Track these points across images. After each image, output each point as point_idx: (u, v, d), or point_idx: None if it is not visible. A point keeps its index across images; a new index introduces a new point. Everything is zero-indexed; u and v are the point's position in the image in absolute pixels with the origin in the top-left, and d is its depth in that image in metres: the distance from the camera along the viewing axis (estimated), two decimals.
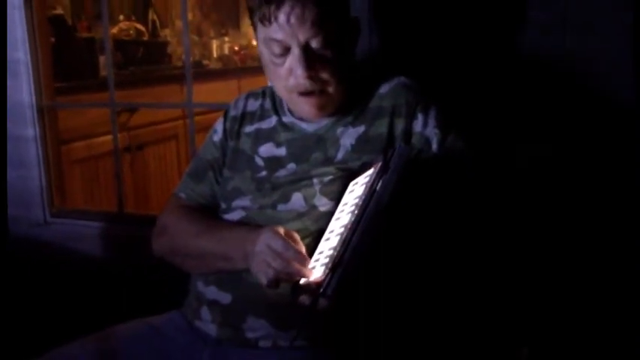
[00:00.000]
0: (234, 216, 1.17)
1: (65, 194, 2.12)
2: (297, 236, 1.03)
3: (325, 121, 1.18)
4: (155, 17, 3.78)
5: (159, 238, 1.25)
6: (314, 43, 1.06)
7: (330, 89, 1.12)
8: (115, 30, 3.33)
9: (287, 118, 1.21)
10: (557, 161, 1.37)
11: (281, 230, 1.02)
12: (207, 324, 1.14)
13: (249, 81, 3.60)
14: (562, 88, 1.36)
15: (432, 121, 1.14)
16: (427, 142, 1.14)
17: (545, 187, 1.36)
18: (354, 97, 1.18)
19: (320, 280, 0.93)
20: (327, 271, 0.93)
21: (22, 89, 1.95)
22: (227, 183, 1.22)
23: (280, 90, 1.16)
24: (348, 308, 1.04)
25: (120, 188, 2.01)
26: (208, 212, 1.23)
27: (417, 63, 1.44)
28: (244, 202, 1.17)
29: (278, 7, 1.04)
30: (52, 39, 2.31)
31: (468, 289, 1.19)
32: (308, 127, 1.18)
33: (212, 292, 1.14)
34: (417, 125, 1.15)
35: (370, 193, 0.99)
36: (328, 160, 1.15)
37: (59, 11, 2.89)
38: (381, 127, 1.15)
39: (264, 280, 1.00)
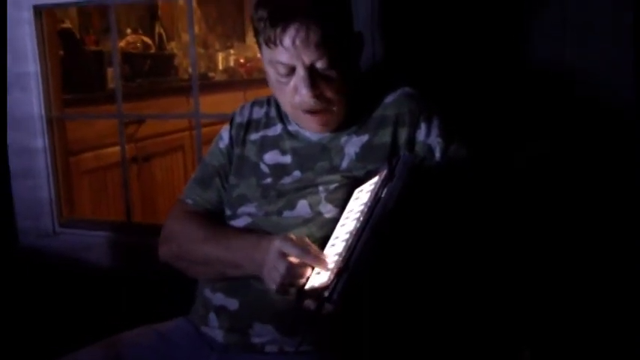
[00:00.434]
0: (240, 222, 1.18)
1: (74, 204, 2.14)
2: (308, 241, 1.04)
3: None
4: (162, 30, 3.82)
5: (165, 244, 1.26)
6: (319, 64, 1.08)
7: (335, 107, 1.14)
8: (122, 43, 3.36)
9: (292, 127, 1.23)
10: (558, 165, 1.38)
11: (292, 237, 1.03)
12: (214, 329, 1.15)
13: (254, 92, 3.62)
14: (563, 95, 1.38)
15: (434, 130, 1.16)
16: (430, 150, 1.15)
17: (546, 191, 1.37)
18: (358, 107, 1.19)
19: (325, 285, 0.95)
20: (332, 276, 0.95)
21: (32, 101, 1.97)
22: (233, 190, 1.23)
23: (286, 106, 1.18)
24: (354, 313, 1.05)
25: (127, 198, 2.03)
26: (215, 218, 1.24)
27: (419, 71, 1.46)
28: (250, 208, 1.18)
29: (283, 31, 1.05)
30: (61, 52, 2.34)
31: (471, 292, 1.20)
32: (312, 136, 1.20)
33: (219, 298, 1.15)
34: (420, 134, 1.16)
35: (375, 200, 1.01)
36: (333, 169, 1.16)
37: (68, 25, 2.94)
38: (385, 136, 1.16)
39: (273, 287, 1.01)
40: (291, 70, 1.09)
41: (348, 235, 1.00)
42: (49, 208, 2.03)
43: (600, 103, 1.36)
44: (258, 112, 1.29)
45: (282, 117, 1.26)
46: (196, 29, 4.17)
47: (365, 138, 1.18)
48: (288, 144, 1.22)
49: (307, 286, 1.00)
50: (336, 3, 1.12)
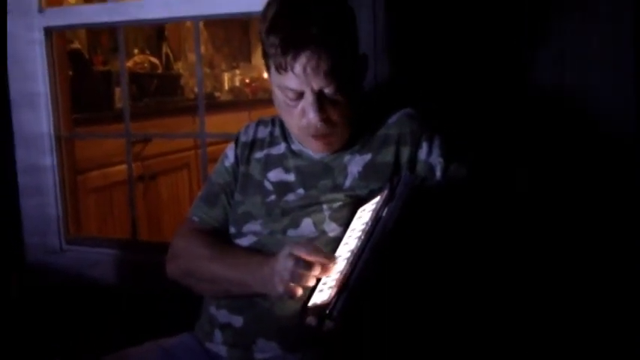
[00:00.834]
0: (245, 241, 1.21)
1: (80, 222, 2.16)
2: (316, 244, 1.07)
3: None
4: (169, 51, 3.87)
5: (173, 261, 1.27)
6: (327, 90, 1.10)
7: (340, 129, 1.16)
8: (129, 63, 3.41)
9: (296, 146, 1.25)
10: (558, 187, 1.40)
11: (300, 242, 1.07)
12: (219, 345, 1.17)
13: (259, 112, 3.65)
14: (562, 118, 1.40)
15: (436, 150, 1.18)
16: (431, 169, 1.17)
17: (546, 212, 1.39)
18: (361, 127, 1.22)
19: (326, 302, 0.97)
20: (333, 293, 0.97)
21: (42, 120, 2.00)
22: (238, 207, 1.25)
23: (292, 128, 1.20)
24: (355, 330, 1.07)
25: (133, 216, 2.05)
26: (221, 236, 1.26)
27: (421, 92, 1.48)
28: (255, 226, 1.20)
29: (294, 59, 1.07)
30: (70, 72, 2.38)
31: (472, 310, 1.21)
32: (316, 155, 1.22)
33: (224, 315, 1.17)
34: (422, 153, 1.18)
35: (376, 219, 1.03)
36: (337, 187, 1.18)
37: (77, 45, 2.98)
38: (388, 155, 1.18)
39: (281, 289, 1.02)
40: (300, 95, 1.11)
41: (349, 254, 1.02)
42: (56, 225, 2.05)
43: (600, 126, 1.38)
44: (263, 132, 1.32)
45: (286, 136, 1.28)
46: (203, 49, 4.23)
47: (368, 157, 1.20)
48: (291, 162, 1.24)
49: (310, 304, 1.02)
50: (346, 31, 1.13)
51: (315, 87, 1.09)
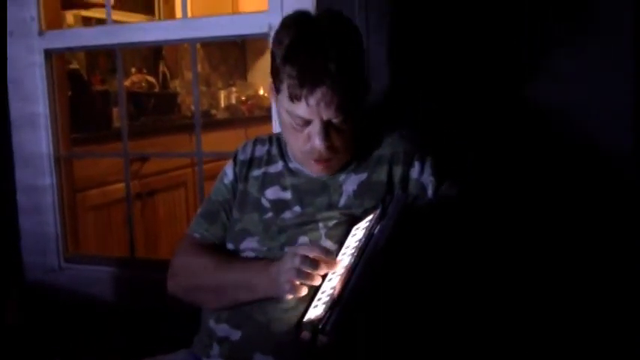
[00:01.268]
0: None
1: (79, 240, 2.17)
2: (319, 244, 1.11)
3: None
4: (165, 69, 3.90)
5: (174, 278, 1.29)
6: (335, 120, 1.13)
7: (341, 155, 1.20)
8: (127, 82, 3.44)
9: (293, 164, 1.28)
10: (553, 201, 1.43)
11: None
12: (216, 359, 1.19)
13: (255, 130, 3.68)
14: (561, 136, 1.44)
15: (428, 169, 1.22)
16: (423, 188, 1.21)
17: (541, 229, 1.43)
18: (358, 147, 1.24)
19: (320, 317, 1.00)
20: (326, 309, 1.01)
21: (41, 140, 2.03)
22: (235, 224, 1.28)
23: (294, 150, 1.22)
24: (348, 344, 1.09)
25: (131, 234, 2.07)
26: (223, 248, 1.28)
27: (418, 110, 1.52)
28: (252, 243, 1.23)
29: (310, 92, 1.09)
30: (69, 92, 2.41)
31: (465, 325, 1.24)
32: (312, 174, 1.25)
33: (223, 329, 1.19)
34: (414, 172, 1.22)
35: (369, 236, 1.07)
36: (332, 205, 1.21)
37: (75, 66, 3.02)
38: (381, 174, 1.22)
39: (287, 287, 1.06)
40: (307, 122, 1.14)
41: (343, 270, 1.05)
42: (55, 244, 2.07)
43: (596, 138, 1.42)
44: (260, 150, 1.34)
45: (283, 154, 1.31)
46: (199, 68, 4.27)
47: (363, 176, 1.23)
48: (288, 180, 1.27)
49: (305, 319, 1.05)
50: (359, 65, 1.16)
51: (325, 117, 1.12)
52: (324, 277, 1.08)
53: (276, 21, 1.68)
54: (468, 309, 1.21)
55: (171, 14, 3.96)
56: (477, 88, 1.48)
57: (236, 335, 1.17)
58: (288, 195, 1.25)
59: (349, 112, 1.13)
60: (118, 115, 2.68)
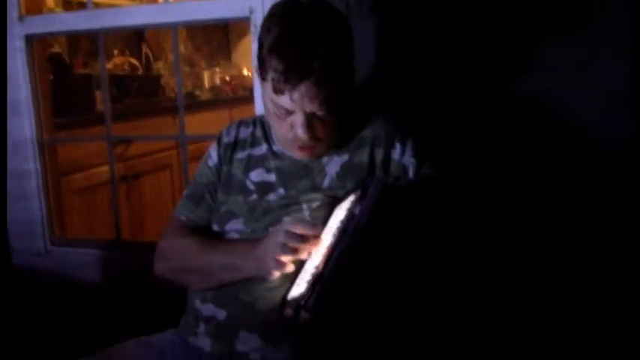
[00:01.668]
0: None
1: (65, 224, 2.19)
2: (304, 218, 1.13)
3: None
4: (148, 51, 3.87)
5: (161, 260, 1.31)
6: (318, 112, 1.15)
7: (325, 142, 1.22)
8: (110, 65, 3.42)
9: (277, 147, 1.30)
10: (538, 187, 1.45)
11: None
12: (202, 338, 1.22)
13: (239, 110, 3.69)
14: (547, 123, 1.45)
15: (409, 151, 1.24)
16: (404, 169, 1.23)
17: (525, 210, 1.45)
18: (341, 131, 1.26)
19: (303, 294, 1.04)
20: (309, 286, 1.04)
21: (24, 126, 2.03)
22: (221, 206, 1.30)
23: (278, 135, 1.25)
24: (330, 320, 1.13)
25: (117, 217, 2.09)
26: (209, 230, 1.31)
27: (406, 98, 1.53)
28: (237, 225, 1.25)
29: (294, 88, 1.10)
30: (51, 77, 2.40)
31: (448, 302, 1.26)
32: (295, 156, 1.27)
33: (209, 309, 1.22)
34: (395, 154, 1.24)
35: (350, 216, 1.10)
36: (315, 187, 1.23)
37: (57, 49, 2.99)
38: (363, 156, 1.24)
39: (272, 264, 1.09)
40: (291, 112, 1.16)
41: (325, 249, 1.09)
42: (41, 228, 2.08)
43: (591, 132, 1.43)
44: (245, 132, 1.35)
45: (267, 137, 1.32)
46: (182, 49, 4.25)
47: (345, 158, 1.25)
48: (272, 163, 1.28)
49: (288, 297, 1.09)
50: (346, 61, 1.17)
51: (308, 110, 1.14)
52: (308, 254, 1.11)
53: (257, 4, 1.70)
54: (449, 287, 1.24)
55: None
56: (464, 76, 1.49)
57: (222, 315, 1.20)
58: (272, 177, 1.27)
59: (333, 105, 1.14)
60: (102, 99, 2.67)
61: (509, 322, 1.41)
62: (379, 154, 1.24)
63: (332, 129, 1.20)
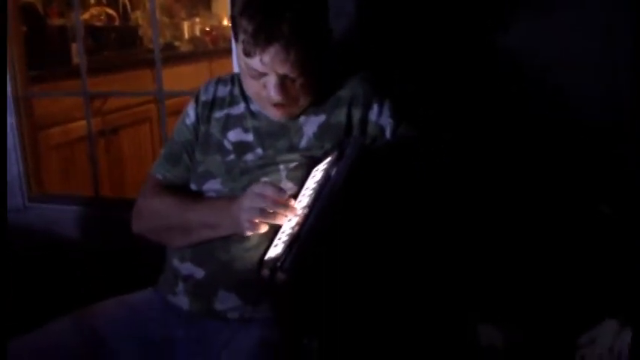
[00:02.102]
0: None
1: (42, 180, 2.17)
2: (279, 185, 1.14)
3: None
4: (126, 1, 3.78)
5: (139, 218, 1.32)
6: (291, 74, 1.14)
7: (300, 102, 1.21)
8: (86, 16, 3.33)
9: (254, 106, 1.28)
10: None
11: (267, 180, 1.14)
12: (181, 297, 1.23)
13: (220, 63, 3.63)
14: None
15: (386, 111, 1.23)
16: (382, 130, 1.23)
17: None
18: (317, 90, 1.25)
19: (279, 255, 1.05)
20: (285, 247, 1.05)
21: None
22: (198, 166, 1.29)
23: (252, 95, 1.23)
24: (306, 281, 1.14)
25: (95, 173, 2.07)
26: (187, 188, 1.31)
27: (381, 53, 1.52)
28: (215, 185, 1.25)
29: (264, 50, 1.10)
30: (24, 28, 2.34)
31: (425, 267, 1.28)
32: (270, 116, 1.25)
33: (187, 267, 1.23)
34: (373, 115, 1.24)
35: (326, 178, 1.10)
36: (293, 148, 1.23)
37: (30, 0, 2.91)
38: (340, 116, 1.23)
39: (247, 225, 1.10)
40: (264, 74, 1.14)
41: (302, 211, 1.09)
42: (19, 184, 2.07)
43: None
44: (223, 91, 1.34)
45: (245, 96, 1.30)
46: None
47: (322, 118, 1.24)
48: (250, 122, 1.27)
49: (266, 258, 1.09)
50: (318, 24, 1.16)
51: (280, 72, 1.13)
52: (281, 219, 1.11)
53: None
54: (426, 248, 1.25)
55: None
56: (452, 68, 1.49)
57: (200, 273, 1.21)
58: (250, 137, 1.26)
59: (305, 67, 1.13)
60: (77, 51, 2.61)
61: (488, 289, 1.43)
62: (356, 115, 1.23)
63: (306, 90, 1.19)
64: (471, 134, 1.47)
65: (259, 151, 1.25)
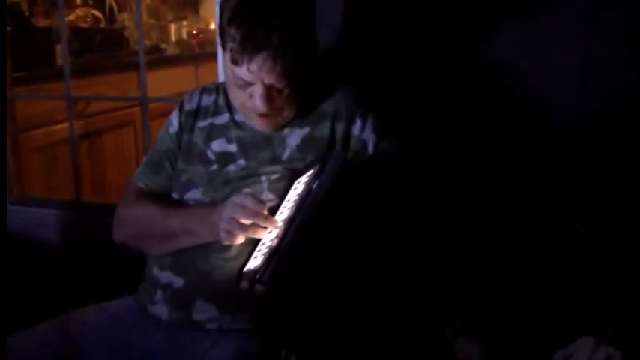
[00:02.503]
0: None
1: (24, 182, 2.16)
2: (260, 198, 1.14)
3: None
4: (112, 2, 3.76)
5: (120, 225, 1.31)
6: (277, 85, 1.14)
7: (285, 113, 1.21)
8: (71, 17, 3.31)
9: (239, 117, 1.28)
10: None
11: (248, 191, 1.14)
12: (160, 306, 1.22)
13: (206, 67, 3.63)
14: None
15: (369, 126, 1.24)
16: (364, 145, 1.23)
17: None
18: (302, 102, 1.25)
19: (258, 267, 1.05)
20: (264, 259, 1.05)
21: None
22: (181, 175, 1.29)
23: (237, 105, 1.22)
24: (286, 294, 1.15)
25: (77, 178, 2.06)
26: (168, 197, 1.30)
27: (365, 66, 1.52)
28: (196, 195, 1.25)
29: (251, 59, 1.09)
30: (9, 28, 2.32)
31: (403, 280, 1.28)
32: (256, 127, 1.25)
33: (166, 276, 1.22)
34: (356, 129, 1.24)
35: (307, 191, 1.11)
36: (275, 159, 1.23)
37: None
38: (324, 130, 1.24)
39: (224, 235, 1.10)
40: (250, 83, 1.14)
41: (282, 224, 1.09)
42: None
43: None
44: (207, 100, 1.33)
45: (229, 106, 1.30)
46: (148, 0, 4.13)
47: (306, 131, 1.24)
48: (234, 133, 1.27)
49: (245, 269, 1.10)
50: (306, 34, 1.16)
51: (267, 82, 1.12)
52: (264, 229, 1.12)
53: None
54: (407, 262, 1.26)
55: None
56: (446, 71, 1.49)
57: (179, 282, 1.21)
58: (233, 148, 1.26)
59: (292, 78, 1.13)
60: (62, 53, 2.59)
61: (466, 303, 1.44)
62: (340, 129, 1.24)
63: (291, 101, 1.19)
64: (463, 137, 1.47)
65: (242, 162, 1.25)
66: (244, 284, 1.07)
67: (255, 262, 1.08)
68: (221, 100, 1.32)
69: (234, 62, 1.11)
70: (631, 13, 1.36)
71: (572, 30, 1.39)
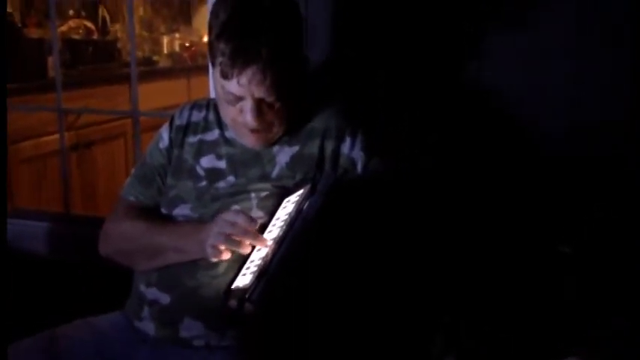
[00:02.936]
0: None
1: (12, 194, 2.15)
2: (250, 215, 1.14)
3: None
4: (105, 13, 3.76)
5: (107, 240, 1.31)
6: (267, 99, 1.14)
7: (276, 128, 1.21)
8: (64, 28, 3.31)
9: (229, 133, 1.28)
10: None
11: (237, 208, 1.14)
12: (147, 323, 1.22)
13: (198, 80, 3.62)
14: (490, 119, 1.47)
15: (358, 144, 1.24)
16: (353, 163, 1.24)
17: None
18: (292, 119, 1.25)
19: (247, 286, 1.05)
20: (254, 278, 1.05)
21: None
22: (170, 190, 1.29)
23: (228, 121, 1.23)
24: (273, 313, 1.14)
25: (66, 190, 2.05)
26: (157, 211, 1.30)
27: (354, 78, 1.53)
28: (185, 210, 1.25)
29: (241, 72, 1.10)
30: None
31: (395, 296, 1.27)
32: (246, 143, 1.25)
33: (153, 293, 1.22)
34: (345, 147, 1.25)
35: (298, 211, 1.11)
36: (265, 177, 1.23)
37: (8, 9, 2.88)
38: (313, 148, 1.24)
39: (210, 250, 1.10)
40: (240, 98, 1.14)
41: (272, 242, 1.10)
42: None
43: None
44: (197, 116, 1.33)
45: (220, 122, 1.30)
46: (141, 11, 4.13)
47: (296, 148, 1.25)
48: (224, 149, 1.27)
49: (233, 287, 1.09)
50: (295, 48, 1.17)
51: (257, 95, 1.13)
52: (252, 247, 1.12)
53: None
54: (398, 280, 1.25)
55: None
56: (437, 71, 1.49)
57: (165, 299, 1.20)
58: (222, 164, 1.26)
59: (282, 91, 1.14)
60: (54, 65, 2.59)
61: (453, 319, 1.44)
62: (329, 147, 1.24)
63: (281, 116, 1.19)
64: (454, 138, 1.48)
65: (231, 178, 1.25)
66: (233, 303, 1.07)
67: (243, 280, 1.08)
68: (211, 117, 1.32)
69: (224, 76, 1.12)
70: (631, 13, 1.37)
71: (572, 30, 1.40)
